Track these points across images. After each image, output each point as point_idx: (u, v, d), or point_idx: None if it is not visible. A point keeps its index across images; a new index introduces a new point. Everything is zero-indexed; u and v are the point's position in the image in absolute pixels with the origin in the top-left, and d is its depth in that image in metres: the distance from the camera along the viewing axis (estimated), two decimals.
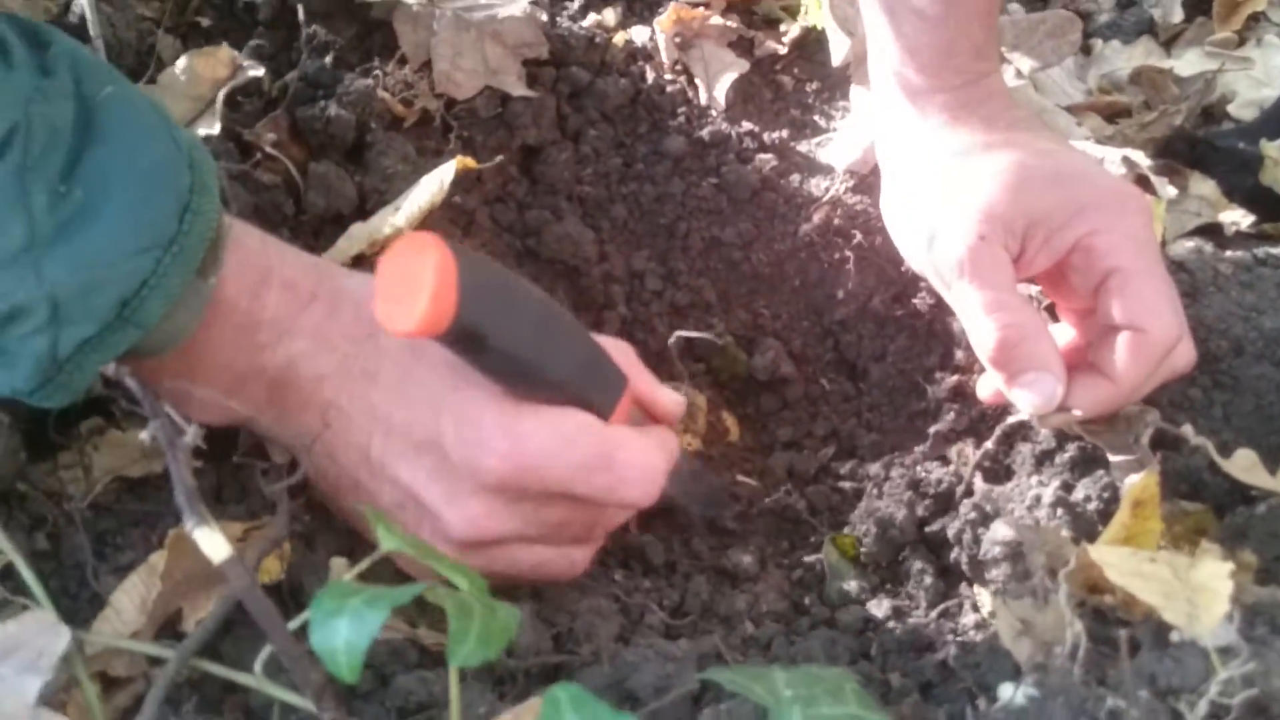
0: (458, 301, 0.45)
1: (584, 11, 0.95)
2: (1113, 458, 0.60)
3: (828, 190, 0.83)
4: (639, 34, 0.93)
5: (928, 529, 0.65)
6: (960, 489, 0.65)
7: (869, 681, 0.51)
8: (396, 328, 0.45)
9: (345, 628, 0.38)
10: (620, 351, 0.58)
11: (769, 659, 0.56)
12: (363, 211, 0.73)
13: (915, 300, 0.78)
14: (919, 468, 0.69)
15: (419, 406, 0.52)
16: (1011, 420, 0.66)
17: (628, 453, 0.53)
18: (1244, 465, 0.58)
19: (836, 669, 0.46)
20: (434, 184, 0.69)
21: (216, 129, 0.71)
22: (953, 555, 0.62)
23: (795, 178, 0.85)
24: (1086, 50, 1.05)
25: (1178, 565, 0.46)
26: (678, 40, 0.91)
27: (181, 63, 0.73)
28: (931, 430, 0.71)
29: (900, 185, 0.70)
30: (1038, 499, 0.60)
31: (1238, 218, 0.82)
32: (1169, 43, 1.08)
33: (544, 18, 0.86)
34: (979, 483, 0.64)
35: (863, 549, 0.66)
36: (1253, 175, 0.84)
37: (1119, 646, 0.45)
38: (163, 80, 0.73)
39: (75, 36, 0.71)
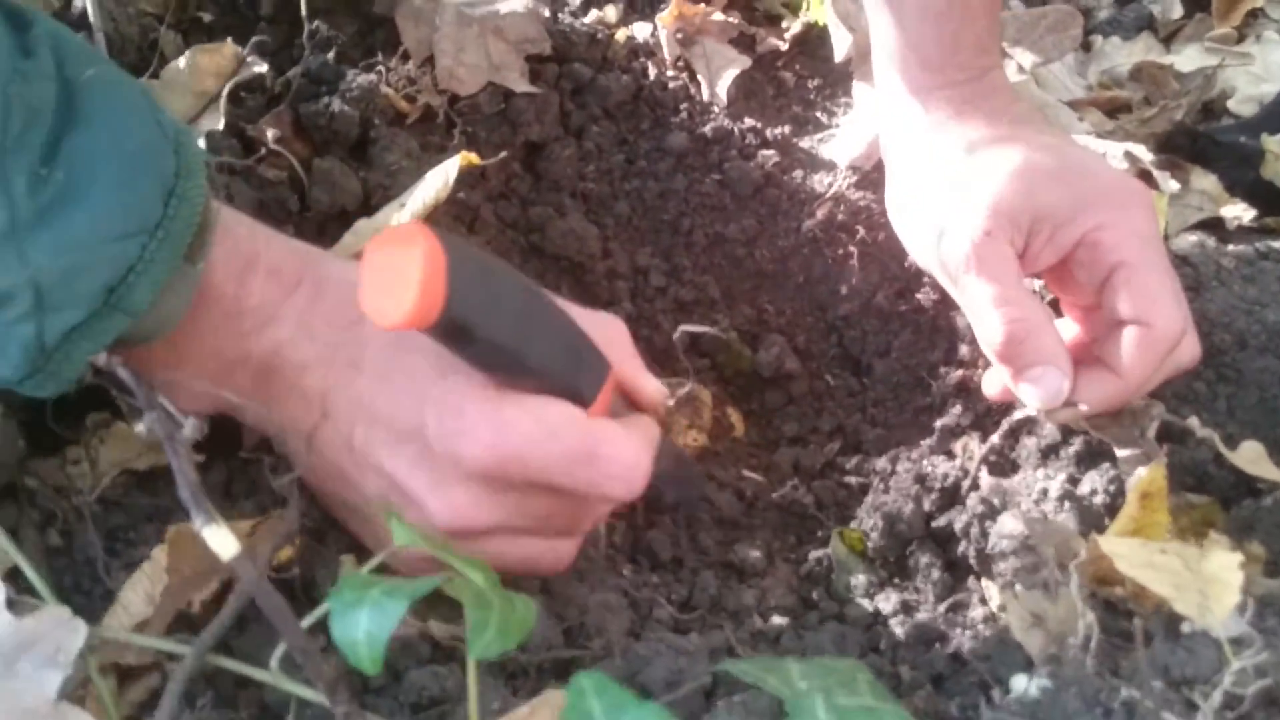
0: (446, 294, 0.43)
1: (586, 8, 0.95)
2: (1119, 452, 0.60)
3: (830, 186, 0.83)
4: (641, 30, 0.93)
5: (934, 523, 0.64)
6: (966, 483, 0.65)
7: (880, 675, 0.51)
8: (383, 321, 0.43)
9: (366, 619, 0.38)
10: (611, 330, 0.57)
11: (778, 653, 0.56)
12: (367, 207, 0.73)
13: (919, 295, 0.78)
14: (925, 462, 0.68)
15: (402, 395, 0.51)
16: (1017, 415, 0.66)
17: (612, 447, 0.52)
18: (1250, 457, 0.58)
19: (849, 660, 0.46)
20: (439, 180, 0.69)
21: (220, 125, 0.71)
22: (960, 549, 0.62)
23: (798, 174, 0.85)
24: (1086, 46, 1.05)
25: (1188, 557, 0.46)
26: (679, 36, 0.91)
27: (184, 58, 0.73)
28: (937, 425, 0.71)
29: (905, 181, 0.70)
30: (1044, 493, 0.60)
31: (1239, 212, 0.83)
32: (1169, 39, 1.08)
33: (546, 14, 0.86)
34: (985, 477, 0.64)
35: (870, 543, 0.66)
36: (1254, 170, 0.84)
37: (1130, 638, 0.46)
38: (166, 76, 0.73)
39: (77, 31, 0.72)
